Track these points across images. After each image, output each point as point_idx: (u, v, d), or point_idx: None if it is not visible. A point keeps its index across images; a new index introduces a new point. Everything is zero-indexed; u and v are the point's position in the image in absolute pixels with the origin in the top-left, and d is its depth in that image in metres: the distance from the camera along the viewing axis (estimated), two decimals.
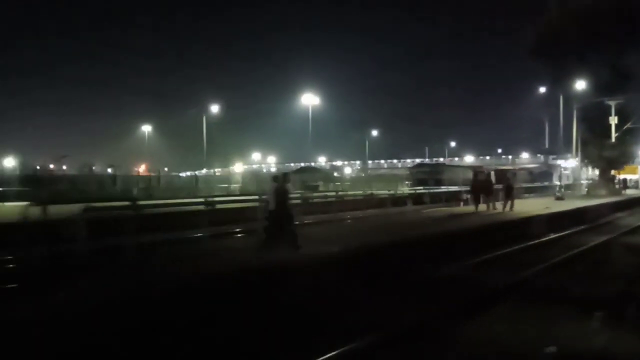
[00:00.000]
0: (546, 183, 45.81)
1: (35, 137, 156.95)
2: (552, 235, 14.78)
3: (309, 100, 63.94)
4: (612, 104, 31.49)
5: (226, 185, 40.39)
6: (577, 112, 32.20)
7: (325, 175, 57.48)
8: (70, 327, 5.45)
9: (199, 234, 12.79)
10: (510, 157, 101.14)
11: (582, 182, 41.06)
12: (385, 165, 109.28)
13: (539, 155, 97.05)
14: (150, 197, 26.18)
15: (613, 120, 31.83)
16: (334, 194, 24.64)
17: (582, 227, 17.30)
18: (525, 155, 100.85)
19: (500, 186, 21.61)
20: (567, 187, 37.55)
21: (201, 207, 13.65)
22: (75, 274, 7.94)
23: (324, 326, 5.92)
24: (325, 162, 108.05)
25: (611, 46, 31.32)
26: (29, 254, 9.69)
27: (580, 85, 31.54)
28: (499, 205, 19.65)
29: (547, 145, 59.95)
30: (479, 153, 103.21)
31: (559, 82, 32.36)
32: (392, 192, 25.23)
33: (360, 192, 27.65)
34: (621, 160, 34.50)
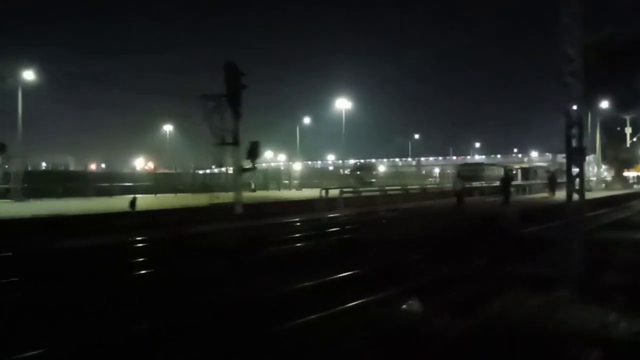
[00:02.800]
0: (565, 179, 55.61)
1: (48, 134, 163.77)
2: (605, 210, 24.35)
3: (343, 104, 73.61)
4: (627, 117, 41.48)
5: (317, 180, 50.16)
6: (599, 124, 42.15)
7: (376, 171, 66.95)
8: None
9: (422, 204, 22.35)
10: (520, 155, 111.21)
11: (592, 178, 50.85)
12: (400, 164, 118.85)
13: (547, 153, 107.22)
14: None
15: (628, 130, 41.83)
16: (417, 186, 34.45)
17: (616, 207, 26.92)
18: (534, 154, 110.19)
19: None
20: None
21: (398, 192, 23.50)
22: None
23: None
24: (334, 160, 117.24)
25: (627, 69, 41.00)
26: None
27: (603, 104, 41.36)
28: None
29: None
30: (490, 152, 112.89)
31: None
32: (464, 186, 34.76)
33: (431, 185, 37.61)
34: (633, 161, 44.60)
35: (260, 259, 9.87)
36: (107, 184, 37.19)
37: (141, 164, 52.96)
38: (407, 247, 10.84)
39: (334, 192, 20.61)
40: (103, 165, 57.87)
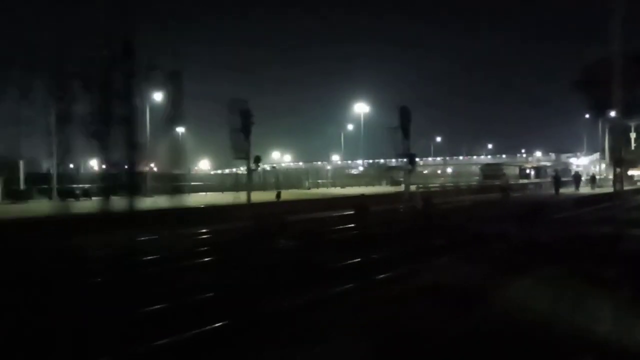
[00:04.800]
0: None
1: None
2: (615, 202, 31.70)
3: (361, 108, 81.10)
4: (632, 123, 49.04)
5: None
6: (608, 129, 49.90)
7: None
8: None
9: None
10: (524, 155, 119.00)
11: (598, 176, 58.61)
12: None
13: (550, 153, 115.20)
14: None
15: (632, 134, 49.47)
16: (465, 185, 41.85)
17: (624, 200, 34.30)
18: (538, 154, 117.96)
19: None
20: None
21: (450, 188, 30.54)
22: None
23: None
24: (340, 160, 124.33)
25: (633, 80, 48.70)
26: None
27: (611, 113, 48.97)
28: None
29: (585, 148, 78.96)
30: (500, 152, 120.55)
31: (595, 107, 49.91)
32: (498, 182, 42.09)
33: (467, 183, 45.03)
34: (636, 161, 52.40)
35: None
36: (179, 183, 43.96)
37: (206, 165, 59.87)
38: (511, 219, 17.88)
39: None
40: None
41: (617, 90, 37.28)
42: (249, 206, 18.85)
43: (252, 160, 19.99)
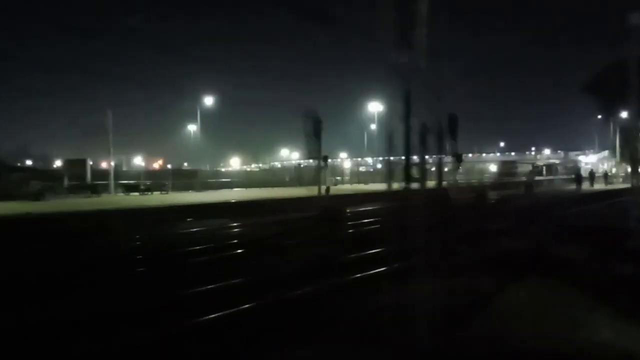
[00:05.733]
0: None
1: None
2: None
3: (375, 107, 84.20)
4: None
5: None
6: (619, 129, 53.16)
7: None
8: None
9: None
10: (533, 153, 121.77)
11: (608, 173, 61.92)
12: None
13: (559, 151, 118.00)
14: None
15: None
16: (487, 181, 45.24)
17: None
18: (547, 152, 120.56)
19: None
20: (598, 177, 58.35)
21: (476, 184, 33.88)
22: None
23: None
24: (347, 157, 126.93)
25: None
26: None
27: (623, 114, 52.31)
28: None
29: (596, 147, 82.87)
30: (505, 150, 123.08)
31: (605, 110, 53.22)
32: (523, 179, 45.44)
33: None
34: None
35: None
36: (212, 180, 47.44)
37: (236, 163, 63.54)
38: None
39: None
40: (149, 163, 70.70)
41: (629, 92, 40.43)
42: (321, 198, 22.26)
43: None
